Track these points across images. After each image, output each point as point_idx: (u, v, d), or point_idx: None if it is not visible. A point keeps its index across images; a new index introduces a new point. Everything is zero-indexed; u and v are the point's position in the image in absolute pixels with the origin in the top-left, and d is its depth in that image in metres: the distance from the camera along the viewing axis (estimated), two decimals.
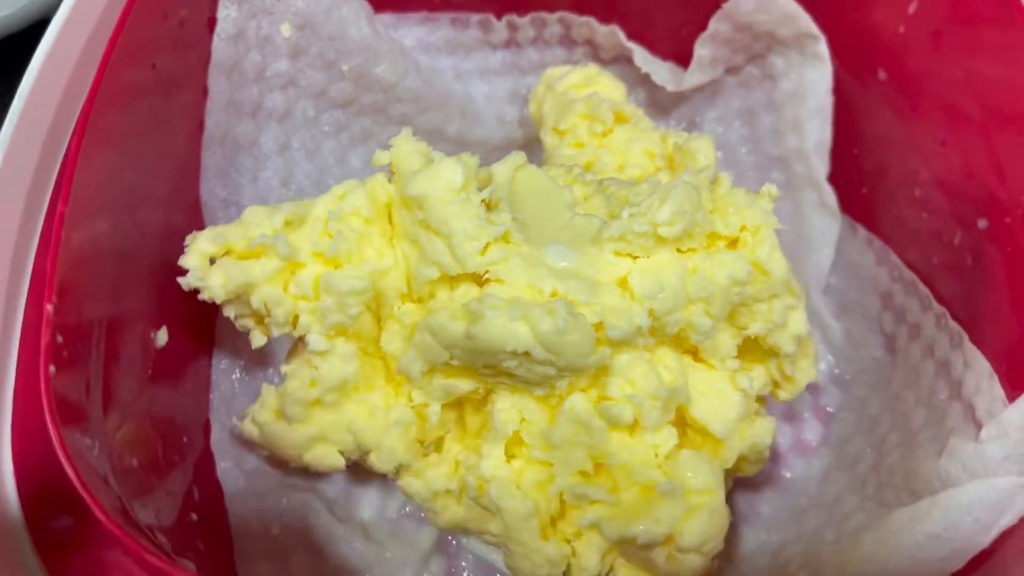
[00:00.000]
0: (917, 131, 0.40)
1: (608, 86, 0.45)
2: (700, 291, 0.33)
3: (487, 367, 0.33)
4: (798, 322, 0.35)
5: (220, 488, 0.38)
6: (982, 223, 0.36)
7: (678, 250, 0.34)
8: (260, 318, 0.35)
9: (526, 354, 0.31)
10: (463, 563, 0.39)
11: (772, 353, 0.36)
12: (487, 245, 0.33)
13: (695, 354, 0.35)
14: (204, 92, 0.39)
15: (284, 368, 0.36)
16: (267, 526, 0.37)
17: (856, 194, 0.45)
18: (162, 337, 0.35)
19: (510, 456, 0.34)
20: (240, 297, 0.34)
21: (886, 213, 0.43)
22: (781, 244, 0.46)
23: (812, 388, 0.44)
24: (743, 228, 0.34)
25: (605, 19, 0.46)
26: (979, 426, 0.34)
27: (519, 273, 0.33)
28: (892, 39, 0.41)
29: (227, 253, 0.34)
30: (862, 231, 0.45)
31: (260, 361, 0.41)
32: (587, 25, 0.47)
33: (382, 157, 0.34)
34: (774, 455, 0.42)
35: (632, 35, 0.46)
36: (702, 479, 0.33)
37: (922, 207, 0.40)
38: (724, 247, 0.34)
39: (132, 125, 0.35)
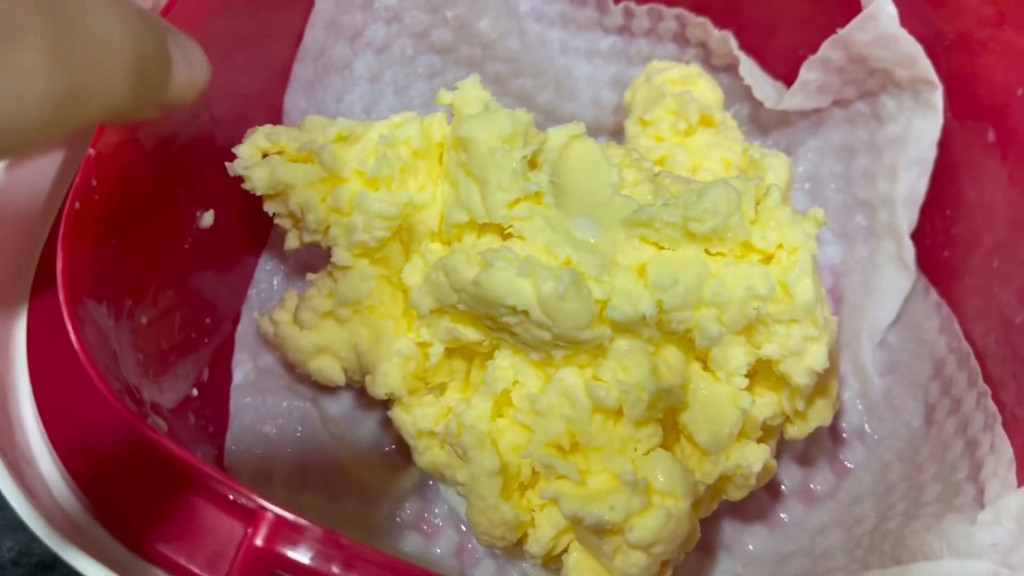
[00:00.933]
0: (1018, 202, 0.38)
1: (705, 89, 0.44)
2: (716, 296, 0.32)
3: (490, 319, 0.33)
4: (816, 356, 0.33)
5: (230, 375, 0.40)
6: None
7: (707, 251, 0.33)
8: (296, 221, 0.36)
9: (525, 313, 0.32)
10: (436, 510, 0.40)
11: (784, 382, 0.34)
12: (517, 200, 0.33)
13: (704, 363, 0.35)
14: (309, 7, 0.41)
15: (310, 276, 0.37)
16: (262, 422, 0.39)
17: (937, 255, 0.43)
18: (207, 219, 0.37)
19: (497, 414, 0.35)
20: (280, 195, 0.35)
21: (960, 280, 0.41)
22: (847, 288, 0.45)
23: (836, 439, 0.42)
24: (780, 246, 0.33)
25: (721, 24, 0.45)
26: (983, 509, 0.32)
27: (540, 234, 0.33)
28: (1009, 101, 0.38)
29: (279, 152, 0.35)
30: (934, 294, 0.42)
31: (303, 269, 0.42)
32: (702, 27, 0.46)
33: (445, 96, 0.35)
34: (776, 494, 0.41)
35: (746, 45, 0.45)
36: (669, 481, 0.32)
37: (997, 280, 0.38)
38: (757, 260, 0.33)
39: (231, 22, 0.37)
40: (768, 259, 0.33)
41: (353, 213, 0.34)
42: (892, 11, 0.40)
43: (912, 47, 0.41)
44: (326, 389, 0.41)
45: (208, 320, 0.38)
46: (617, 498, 0.31)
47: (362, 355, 0.36)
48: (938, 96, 0.42)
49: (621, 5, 0.47)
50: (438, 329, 0.35)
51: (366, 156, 0.35)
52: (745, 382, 0.34)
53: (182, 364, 0.36)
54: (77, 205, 0.29)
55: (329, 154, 0.34)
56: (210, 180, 0.37)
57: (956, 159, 0.42)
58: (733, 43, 0.45)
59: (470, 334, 0.35)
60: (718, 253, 0.33)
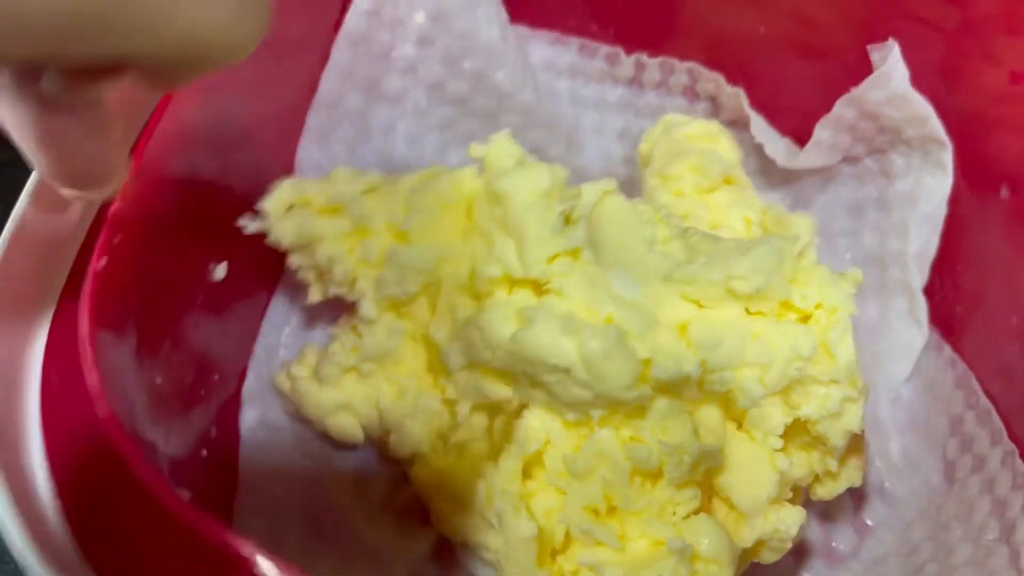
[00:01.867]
0: None
1: (726, 147, 0.44)
2: (759, 356, 0.31)
3: (525, 376, 0.32)
4: (853, 417, 0.33)
5: (238, 435, 0.38)
6: None
7: (747, 310, 0.32)
8: (321, 274, 0.35)
9: (567, 371, 0.31)
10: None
11: (819, 442, 0.34)
12: (555, 255, 0.32)
13: (739, 423, 0.34)
14: (325, 58, 0.40)
15: (333, 330, 0.36)
16: (272, 483, 0.37)
17: (949, 311, 0.43)
18: (220, 272, 0.35)
19: (527, 476, 0.34)
20: (307, 248, 0.34)
21: (976, 337, 0.41)
22: (860, 345, 0.45)
23: (856, 498, 0.41)
24: (819, 306, 0.33)
25: (733, 80, 0.46)
26: (1020, 573, 0.31)
27: (580, 290, 0.32)
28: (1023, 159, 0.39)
29: (305, 205, 0.34)
30: (947, 350, 0.42)
31: (311, 324, 0.41)
32: (714, 81, 0.46)
33: (478, 150, 0.34)
34: (799, 554, 0.40)
35: (756, 102, 0.45)
36: (715, 548, 0.31)
37: (1017, 338, 0.38)
38: (795, 320, 0.33)
39: (247, 68, 0.36)
40: (806, 319, 0.33)
41: (383, 266, 0.33)
42: (904, 71, 0.41)
43: (923, 108, 0.41)
44: (336, 447, 0.39)
45: (216, 376, 0.37)
46: (664, 566, 0.30)
47: (385, 412, 0.35)
48: (948, 155, 0.42)
49: (632, 57, 0.47)
50: (466, 387, 0.34)
51: (396, 209, 0.34)
52: (780, 443, 0.34)
53: (193, 423, 0.34)
54: (103, 263, 0.27)
55: (359, 206, 0.33)
56: (222, 232, 0.35)
57: (967, 216, 0.42)
58: (744, 100, 0.45)
59: (500, 392, 0.34)
60: (758, 312, 0.33)
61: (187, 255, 0.33)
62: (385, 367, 0.35)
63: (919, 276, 0.43)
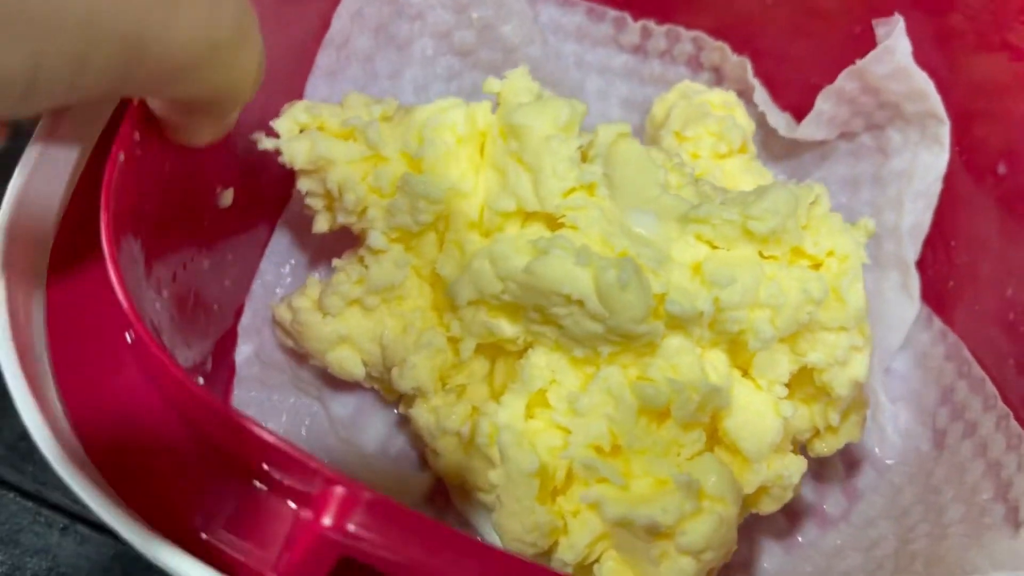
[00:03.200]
0: None
1: (742, 118, 0.44)
2: (771, 298, 0.31)
3: (536, 310, 0.32)
4: (860, 366, 0.33)
5: (233, 368, 0.37)
6: None
7: (760, 254, 0.33)
8: (330, 202, 0.34)
9: (580, 303, 0.30)
10: (448, 520, 0.38)
11: (823, 393, 0.34)
12: (572, 189, 0.32)
13: (745, 371, 0.34)
14: None
15: (335, 262, 0.35)
16: (265, 418, 0.36)
17: (941, 285, 0.44)
18: (227, 198, 0.34)
19: (530, 415, 0.33)
20: (318, 172, 0.33)
21: (969, 309, 0.42)
22: None
23: (846, 463, 0.42)
24: (830, 253, 0.33)
25: (739, 49, 0.46)
26: (1019, 526, 0.32)
27: (595, 225, 0.32)
28: (1022, 136, 0.40)
29: (319, 128, 0.34)
30: (938, 323, 0.43)
31: (311, 263, 0.40)
32: (719, 51, 0.46)
33: (493, 84, 0.34)
34: (791, 516, 0.40)
35: (760, 72, 0.46)
36: (721, 486, 0.31)
37: (1011, 308, 0.39)
38: (807, 267, 0.33)
39: (259, 4, 0.36)
40: (817, 266, 0.33)
41: (396, 194, 0.33)
42: (907, 46, 0.42)
43: (924, 83, 0.42)
44: (333, 387, 0.38)
45: (216, 307, 0.36)
46: (669, 501, 0.30)
47: (388, 346, 0.34)
48: (945, 132, 0.43)
49: (639, 23, 0.47)
50: (472, 323, 0.33)
51: (411, 137, 0.33)
52: (785, 391, 0.34)
53: (193, 348, 0.34)
54: (122, 157, 0.26)
55: (375, 132, 0.33)
56: (231, 159, 0.35)
57: (961, 192, 0.43)
58: (749, 70, 0.46)
59: (506, 329, 0.33)
60: (771, 256, 0.33)
61: (197, 174, 0.32)
62: (390, 301, 0.34)
63: (912, 250, 0.44)
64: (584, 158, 0.33)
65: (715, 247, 0.32)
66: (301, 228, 0.39)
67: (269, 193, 0.37)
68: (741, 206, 0.32)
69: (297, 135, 0.33)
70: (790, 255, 0.33)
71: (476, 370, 0.35)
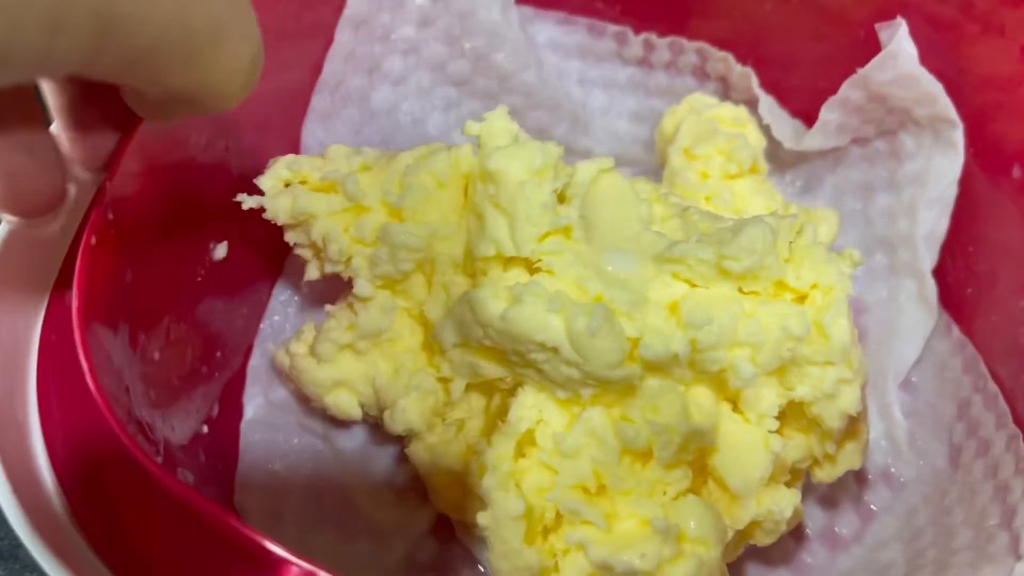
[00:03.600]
0: None
1: (752, 134, 0.44)
2: (750, 336, 0.31)
3: (516, 355, 0.32)
4: (849, 399, 0.32)
5: (240, 411, 0.38)
6: None
7: (740, 290, 0.32)
8: (317, 251, 0.35)
9: (554, 350, 0.31)
10: (454, 552, 0.39)
11: (815, 424, 0.33)
12: (546, 234, 0.32)
13: (734, 404, 0.34)
14: (328, 41, 0.40)
15: (328, 308, 0.36)
16: (273, 459, 0.38)
17: (960, 293, 0.42)
18: (220, 251, 0.36)
19: (519, 454, 0.34)
20: (302, 225, 0.34)
21: (985, 319, 0.40)
22: (869, 327, 0.44)
23: (860, 482, 0.41)
24: (814, 286, 0.32)
25: (743, 59, 0.45)
26: (1020, 558, 0.31)
27: (570, 269, 0.32)
28: None
29: (301, 182, 0.34)
30: (956, 332, 0.42)
31: (318, 301, 0.41)
32: (724, 61, 0.46)
33: (473, 127, 0.34)
34: (800, 538, 0.40)
35: (766, 83, 0.45)
36: (702, 529, 0.31)
37: None
38: (790, 300, 0.32)
39: None
40: (802, 299, 0.33)
41: (377, 244, 0.33)
42: (912, 50, 0.40)
43: (932, 86, 0.40)
44: (338, 424, 0.40)
45: (219, 354, 0.37)
46: (648, 546, 0.30)
47: (380, 389, 0.35)
48: (958, 135, 0.41)
49: (641, 36, 0.46)
50: (460, 364, 0.34)
51: (391, 187, 0.34)
52: (775, 424, 0.33)
53: (193, 399, 0.35)
54: (94, 240, 0.27)
55: (353, 183, 0.33)
56: (225, 211, 0.36)
57: (978, 196, 0.41)
58: (754, 80, 0.45)
59: (493, 370, 0.34)
60: (751, 292, 0.32)
61: (184, 233, 0.34)
62: (380, 344, 0.35)
63: (928, 258, 0.43)
64: (562, 199, 0.33)
65: (693, 285, 0.32)
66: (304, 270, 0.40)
67: (271, 238, 0.39)
68: (717, 245, 0.31)
69: (280, 190, 0.34)
70: (772, 289, 0.32)
71: (474, 404, 0.36)
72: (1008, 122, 0.40)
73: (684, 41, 0.46)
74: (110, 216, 0.28)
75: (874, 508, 0.40)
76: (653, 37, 0.46)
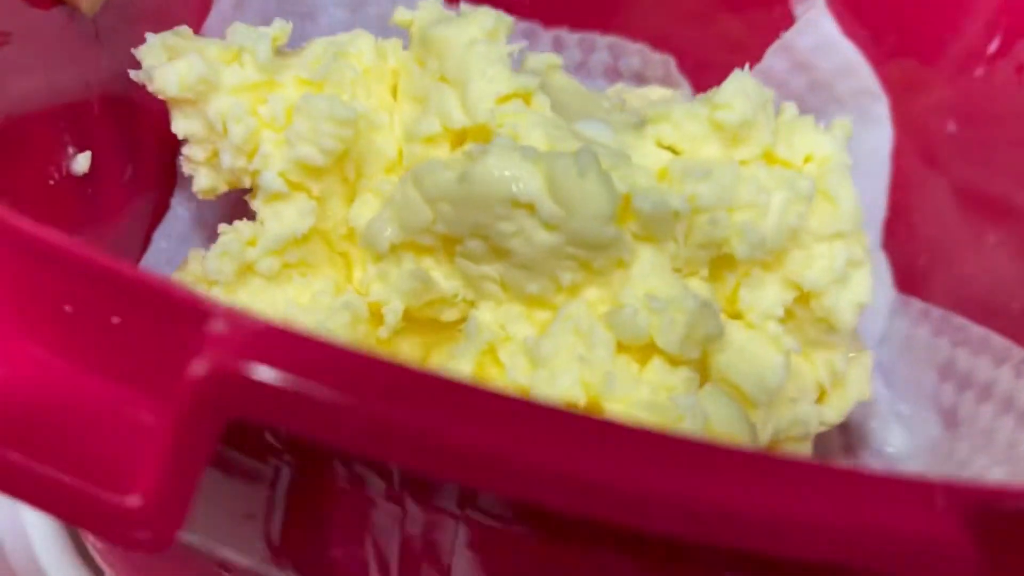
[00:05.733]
0: (995, 179, 0.36)
1: None
2: (753, 197, 0.26)
3: (476, 236, 0.26)
4: (862, 285, 0.28)
5: None
6: None
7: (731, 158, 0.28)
8: (214, 154, 0.28)
9: (529, 208, 0.25)
10: None
11: (823, 329, 0.28)
12: (506, 95, 0.27)
13: (732, 311, 0.28)
14: None
15: (221, 227, 0.29)
16: None
17: (912, 264, 0.40)
18: (82, 162, 0.28)
19: (480, 378, 0.26)
20: (196, 103, 0.27)
21: (948, 277, 0.38)
22: None
23: (854, 460, 0.36)
24: (808, 158, 0.28)
25: (659, 46, 0.43)
26: None
27: (537, 130, 0.27)
28: (966, 85, 0.37)
29: (198, 52, 0.28)
30: (916, 303, 0.39)
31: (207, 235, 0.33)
32: (639, 54, 0.44)
33: (404, 15, 0.30)
34: None
35: (685, 66, 0.43)
36: (728, 424, 0.24)
37: (998, 255, 0.35)
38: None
39: None
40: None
41: (293, 121, 0.27)
42: (830, 20, 0.40)
43: (852, 54, 0.40)
44: None
45: None
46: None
47: (296, 317, 0.27)
48: (883, 107, 0.40)
49: (551, 33, 0.44)
50: (398, 275, 0.27)
51: (310, 62, 0.28)
52: (780, 328, 0.28)
53: None
54: None
55: (266, 49, 0.27)
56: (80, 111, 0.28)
57: (915, 163, 0.40)
58: (673, 66, 0.43)
59: (440, 281, 0.27)
60: (743, 161, 0.28)
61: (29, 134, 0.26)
62: (293, 266, 0.28)
63: (872, 235, 0.40)
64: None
65: (679, 152, 0.27)
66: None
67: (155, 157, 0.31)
68: (705, 99, 0.27)
69: (169, 60, 0.28)
70: (763, 159, 0.28)
71: (410, 346, 0.29)
72: (936, 77, 0.39)
73: (597, 36, 0.44)
74: None
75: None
76: (563, 33, 0.44)
